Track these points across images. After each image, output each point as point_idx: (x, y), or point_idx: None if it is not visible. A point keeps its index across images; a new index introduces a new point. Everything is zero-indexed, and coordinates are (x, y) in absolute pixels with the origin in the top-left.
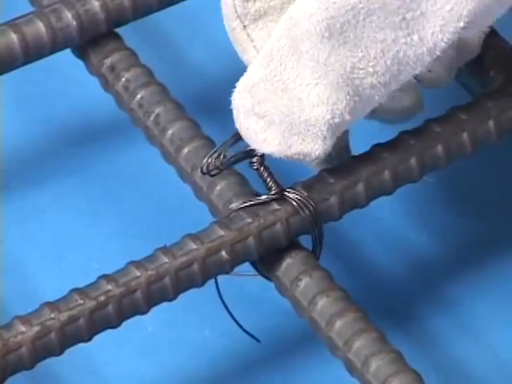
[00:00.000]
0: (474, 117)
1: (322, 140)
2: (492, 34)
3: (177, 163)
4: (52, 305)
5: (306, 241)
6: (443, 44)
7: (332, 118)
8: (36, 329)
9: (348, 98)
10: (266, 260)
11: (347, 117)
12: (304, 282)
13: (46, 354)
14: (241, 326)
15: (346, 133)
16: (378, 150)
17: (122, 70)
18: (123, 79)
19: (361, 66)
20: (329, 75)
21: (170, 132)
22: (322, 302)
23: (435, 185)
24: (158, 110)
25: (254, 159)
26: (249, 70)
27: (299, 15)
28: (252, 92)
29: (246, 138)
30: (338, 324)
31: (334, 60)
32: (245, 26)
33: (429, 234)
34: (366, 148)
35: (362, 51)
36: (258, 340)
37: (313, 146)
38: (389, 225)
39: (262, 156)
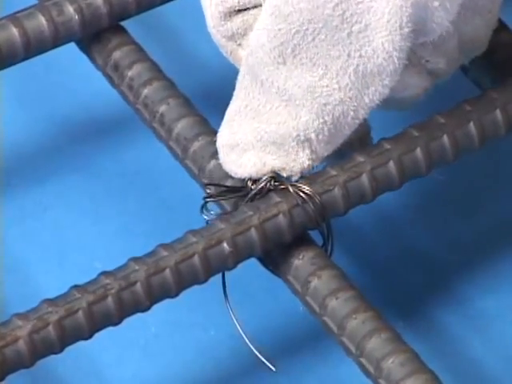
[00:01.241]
0: (479, 108)
1: (294, 155)
2: (503, 31)
3: (184, 164)
4: (50, 300)
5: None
6: (396, 53)
7: (297, 135)
8: (33, 322)
9: (312, 117)
10: (275, 259)
11: (313, 135)
12: (313, 283)
13: (45, 350)
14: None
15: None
16: (383, 142)
17: (125, 68)
18: (127, 78)
19: (324, 84)
20: (291, 98)
21: (175, 132)
22: (331, 305)
23: (446, 183)
24: (162, 109)
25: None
26: (229, 105)
27: (254, 44)
28: (229, 126)
29: (226, 169)
30: (349, 327)
31: (293, 83)
32: (240, 44)
33: (441, 234)
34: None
35: (322, 69)
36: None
37: (287, 162)
38: (401, 225)
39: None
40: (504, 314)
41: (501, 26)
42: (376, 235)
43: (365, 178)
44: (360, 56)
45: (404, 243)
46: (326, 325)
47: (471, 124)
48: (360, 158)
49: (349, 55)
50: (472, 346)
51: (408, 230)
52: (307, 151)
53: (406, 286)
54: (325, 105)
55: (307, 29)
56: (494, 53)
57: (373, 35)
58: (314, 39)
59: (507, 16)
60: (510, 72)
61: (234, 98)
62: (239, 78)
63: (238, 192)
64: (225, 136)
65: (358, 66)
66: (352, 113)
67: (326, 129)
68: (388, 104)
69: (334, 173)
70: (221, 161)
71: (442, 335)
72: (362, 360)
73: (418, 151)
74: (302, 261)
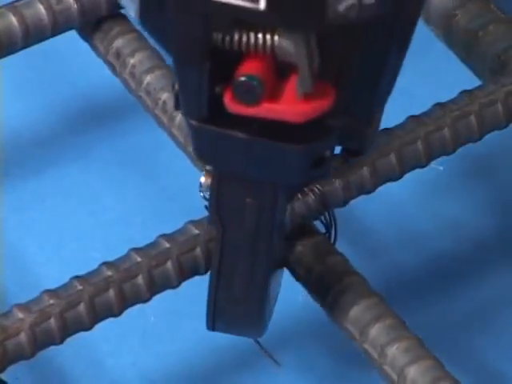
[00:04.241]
0: (479, 100)
1: None
2: (502, 20)
3: (187, 151)
4: (51, 292)
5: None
6: None
7: None
8: (35, 315)
9: None
10: None
11: None
12: (317, 270)
13: (45, 342)
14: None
15: None
16: (383, 133)
17: (128, 55)
18: (129, 65)
19: None
20: None
21: (177, 119)
22: (335, 291)
23: (447, 172)
24: (164, 96)
25: None
26: None
27: None
28: None
29: None
30: (353, 312)
31: None
32: None
33: (442, 221)
34: None
35: None
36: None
37: None
38: (403, 212)
39: None
40: (505, 299)
41: (498, 16)
42: (378, 222)
43: (366, 172)
44: None
45: (406, 229)
46: (328, 311)
47: (472, 117)
48: None
49: None
50: (475, 332)
51: (410, 216)
52: None
53: (408, 272)
54: None
55: None
56: (493, 42)
57: None
58: None
59: (506, 4)
60: (509, 62)
61: None
62: None
63: None
64: None
65: None
66: None
67: None
68: None
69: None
70: None
71: (445, 321)
72: (366, 346)
73: (419, 144)
74: (305, 248)
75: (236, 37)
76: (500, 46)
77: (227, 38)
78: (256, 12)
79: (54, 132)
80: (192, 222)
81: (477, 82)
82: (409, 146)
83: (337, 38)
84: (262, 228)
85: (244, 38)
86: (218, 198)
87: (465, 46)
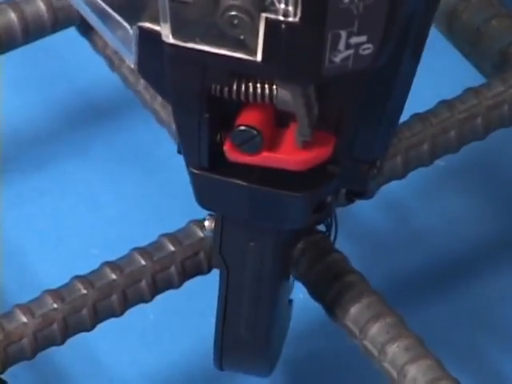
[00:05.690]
0: (487, 102)
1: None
2: (505, 14)
3: None
4: (54, 293)
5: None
6: None
7: None
8: (38, 320)
9: None
10: None
11: None
12: (316, 268)
13: (47, 344)
14: None
15: None
16: None
17: None
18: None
19: None
20: None
21: None
22: (335, 289)
23: (447, 168)
24: None
25: None
26: None
27: None
28: None
29: None
30: (353, 310)
31: None
32: None
33: (441, 216)
34: None
35: None
36: None
37: None
38: (402, 208)
39: None
40: (506, 298)
41: (500, 11)
42: (377, 219)
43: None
44: None
45: (406, 227)
46: (328, 309)
47: (479, 118)
48: None
49: None
50: (475, 331)
51: (409, 213)
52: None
53: (409, 270)
54: None
55: None
56: (497, 38)
57: None
58: None
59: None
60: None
61: None
62: None
63: None
64: None
65: None
66: None
67: None
68: None
69: None
70: None
71: (446, 320)
72: (366, 344)
73: (425, 145)
74: (305, 246)
75: (234, 87)
76: (503, 41)
77: (225, 89)
78: (253, 64)
79: (53, 128)
80: (195, 222)
81: (479, 77)
82: (415, 148)
83: (335, 87)
84: (266, 269)
85: (242, 89)
86: (221, 240)
87: (467, 41)
